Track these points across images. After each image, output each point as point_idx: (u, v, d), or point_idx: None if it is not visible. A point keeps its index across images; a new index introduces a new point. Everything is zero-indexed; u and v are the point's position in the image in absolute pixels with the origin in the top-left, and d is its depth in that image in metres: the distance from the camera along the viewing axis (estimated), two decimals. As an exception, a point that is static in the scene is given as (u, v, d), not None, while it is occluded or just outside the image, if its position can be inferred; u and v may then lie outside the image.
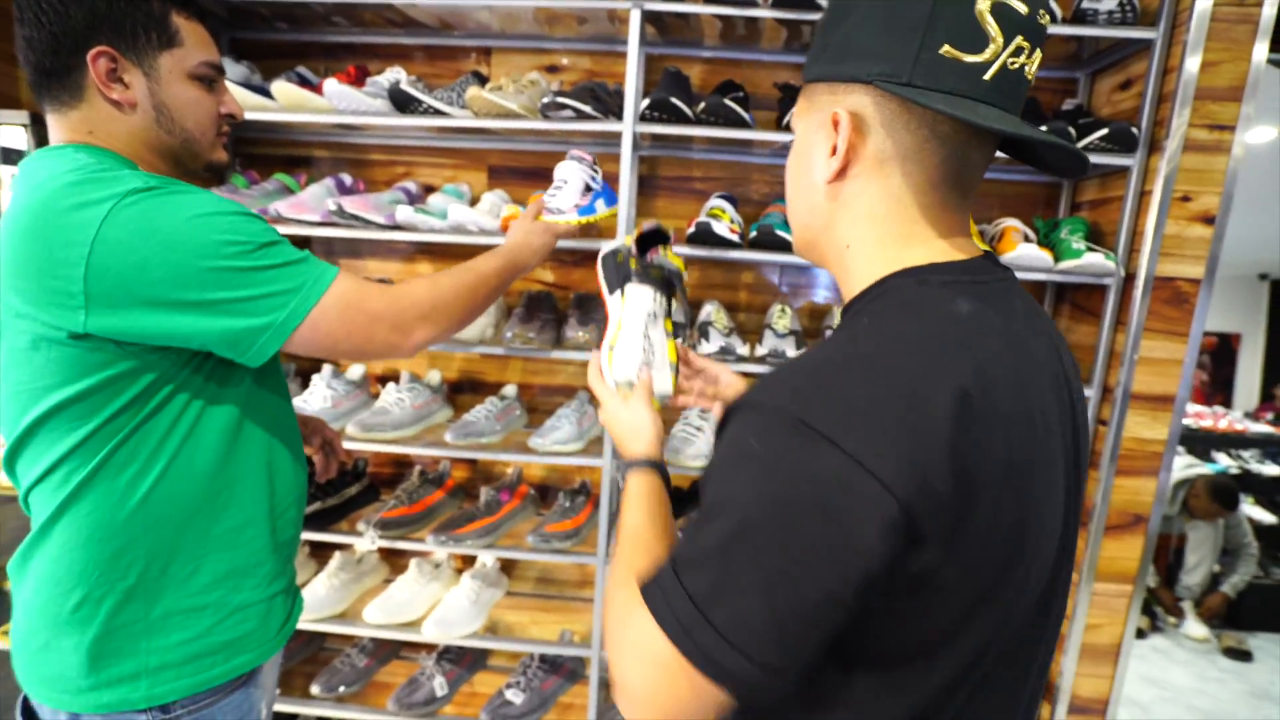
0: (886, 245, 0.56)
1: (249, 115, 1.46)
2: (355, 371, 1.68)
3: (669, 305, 0.94)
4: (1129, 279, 1.37)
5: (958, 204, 0.55)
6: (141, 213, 0.71)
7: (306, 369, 1.78)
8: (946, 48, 0.49)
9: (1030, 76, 0.52)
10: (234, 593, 0.86)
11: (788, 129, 1.43)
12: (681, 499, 1.69)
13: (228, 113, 0.91)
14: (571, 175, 1.33)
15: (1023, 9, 0.49)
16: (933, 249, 0.55)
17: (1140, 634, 3.10)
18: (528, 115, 1.44)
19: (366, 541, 1.56)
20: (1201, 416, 4.19)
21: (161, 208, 0.72)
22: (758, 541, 0.45)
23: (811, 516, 0.44)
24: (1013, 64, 0.50)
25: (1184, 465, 3.39)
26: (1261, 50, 1.27)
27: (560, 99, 1.39)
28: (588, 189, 1.39)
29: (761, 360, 1.48)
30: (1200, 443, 3.86)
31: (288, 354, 1.75)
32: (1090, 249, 1.36)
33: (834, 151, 0.55)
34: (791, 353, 1.46)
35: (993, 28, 0.48)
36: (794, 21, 1.41)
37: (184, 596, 0.82)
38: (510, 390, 1.70)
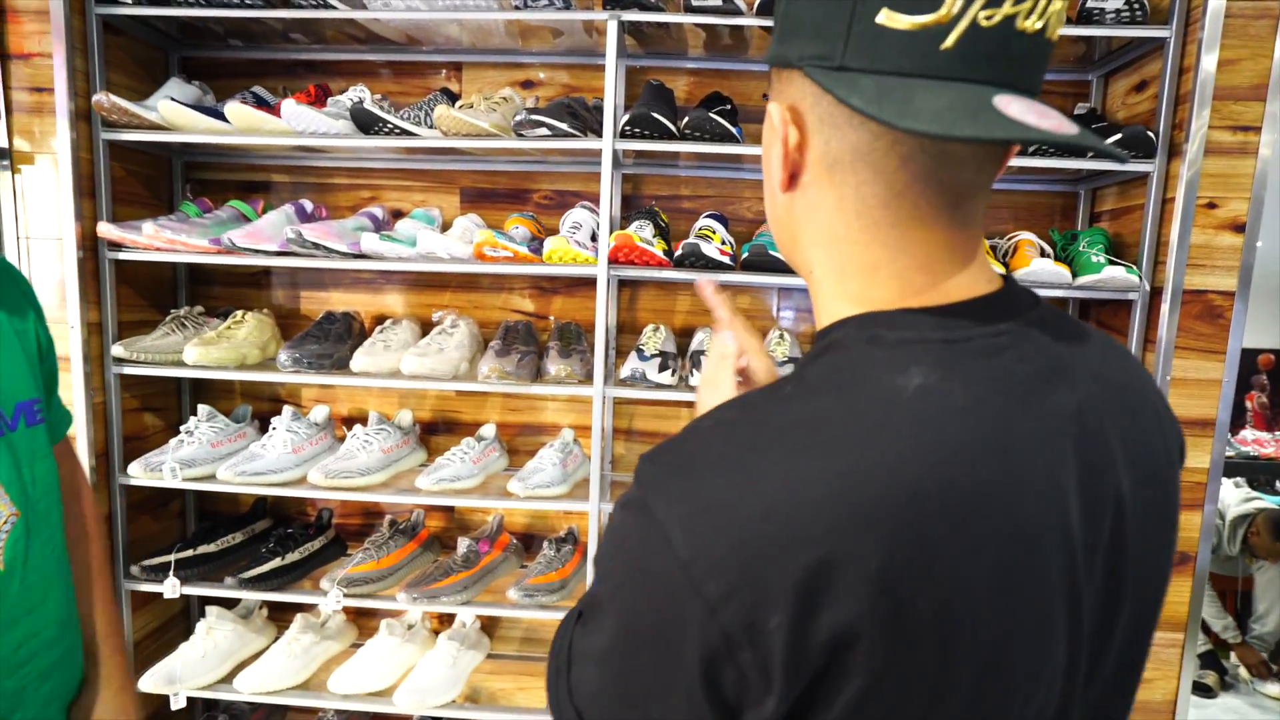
0: (848, 275, 0.47)
1: (199, 139, 1.45)
2: (319, 413, 1.65)
3: None
4: (1155, 293, 1.35)
5: (944, 217, 0.44)
6: None
7: (265, 412, 1.75)
8: (885, 12, 0.39)
9: (1034, 30, 0.40)
10: None
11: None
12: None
13: None
14: (584, 220, 1.45)
15: None
16: (906, 287, 0.45)
17: (1207, 691, 2.96)
18: (501, 134, 1.44)
19: (331, 601, 1.51)
20: (1262, 444, 4.07)
21: None
22: (598, 622, 0.44)
23: (632, 610, 0.42)
24: (988, 18, 0.38)
25: (1242, 498, 3.23)
26: (1283, 47, 1.28)
27: (534, 116, 1.39)
28: (591, 235, 1.46)
29: (760, 391, 1.46)
30: (1261, 472, 3.72)
31: (252, 395, 1.74)
32: (1111, 262, 1.35)
33: (782, 155, 0.47)
34: (792, 382, 1.43)
35: None
36: (783, 28, 1.41)
37: None
38: (489, 430, 1.67)
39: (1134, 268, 1.34)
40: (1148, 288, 1.36)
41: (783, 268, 1.41)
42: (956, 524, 0.38)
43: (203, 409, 1.60)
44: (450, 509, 1.80)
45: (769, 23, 1.37)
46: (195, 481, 1.51)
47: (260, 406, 1.76)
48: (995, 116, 0.38)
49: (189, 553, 1.59)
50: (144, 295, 1.63)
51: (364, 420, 1.67)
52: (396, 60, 1.67)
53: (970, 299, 0.45)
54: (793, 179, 0.47)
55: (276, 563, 1.59)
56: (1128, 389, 0.49)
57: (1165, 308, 1.32)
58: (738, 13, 1.38)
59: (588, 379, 1.50)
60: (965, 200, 0.44)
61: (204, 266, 1.74)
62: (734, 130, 1.42)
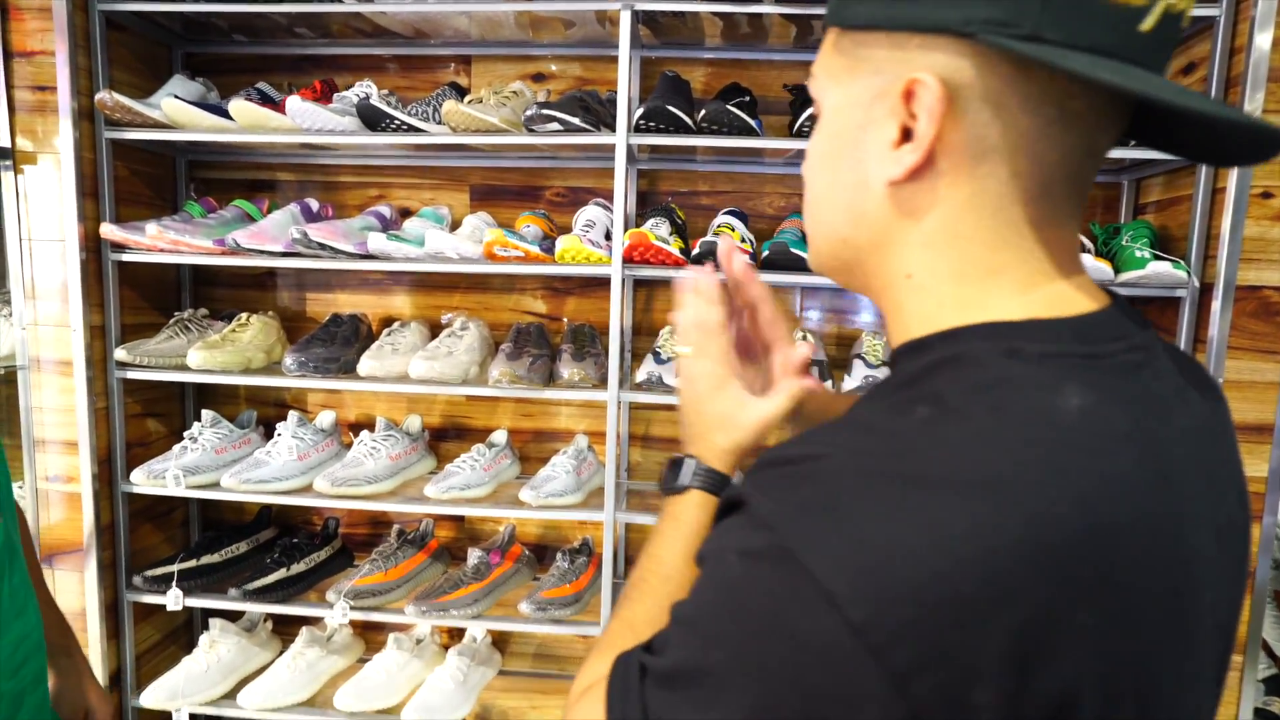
0: (966, 280, 0.42)
1: (204, 137, 1.44)
2: (325, 418, 1.63)
3: None
4: (1206, 290, 1.29)
5: (1071, 219, 0.42)
6: None
7: (270, 417, 1.74)
8: None
9: (1181, 10, 0.38)
10: None
11: (801, 134, 1.39)
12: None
13: None
14: (598, 218, 1.44)
15: None
16: (1033, 294, 0.41)
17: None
18: (511, 129, 1.41)
19: (337, 614, 1.49)
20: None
21: None
22: (706, 688, 0.37)
23: (773, 680, 0.35)
24: (1175, 7, 0.37)
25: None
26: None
27: (545, 110, 1.36)
28: (605, 234, 1.45)
29: (783, 395, 1.41)
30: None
31: (257, 400, 1.72)
32: (1157, 256, 1.29)
33: (905, 137, 0.41)
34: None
35: None
36: (803, 17, 1.37)
37: None
38: (500, 436, 1.64)
39: (1181, 263, 1.29)
40: (1197, 284, 1.30)
41: (800, 266, 1.37)
42: (1144, 564, 0.35)
43: (206, 414, 1.59)
44: (460, 518, 1.78)
45: (790, 10, 1.34)
46: (199, 490, 1.50)
47: (265, 411, 1.74)
48: (1203, 101, 0.36)
49: (192, 563, 1.58)
50: (147, 297, 1.62)
51: (371, 426, 1.65)
52: (404, 54, 1.66)
53: (1096, 310, 0.41)
54: (919, 168, 0.41)
55: (281, 574, 1.57)
56: (1217, 403, 0.46)
57: (1216, 305, 1.27)
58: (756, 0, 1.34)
59: (602, 383, 1.47)
60: (1086, 196, 0.43)
61: (208, 268, 1.73)
62: (753, 123, 1.38)
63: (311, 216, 1.57)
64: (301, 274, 1.73)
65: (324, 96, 1.51)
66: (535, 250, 1.43)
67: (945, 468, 0.35)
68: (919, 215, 0.42)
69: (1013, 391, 0.37)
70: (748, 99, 1.47)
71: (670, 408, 1.67)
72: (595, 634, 1.49)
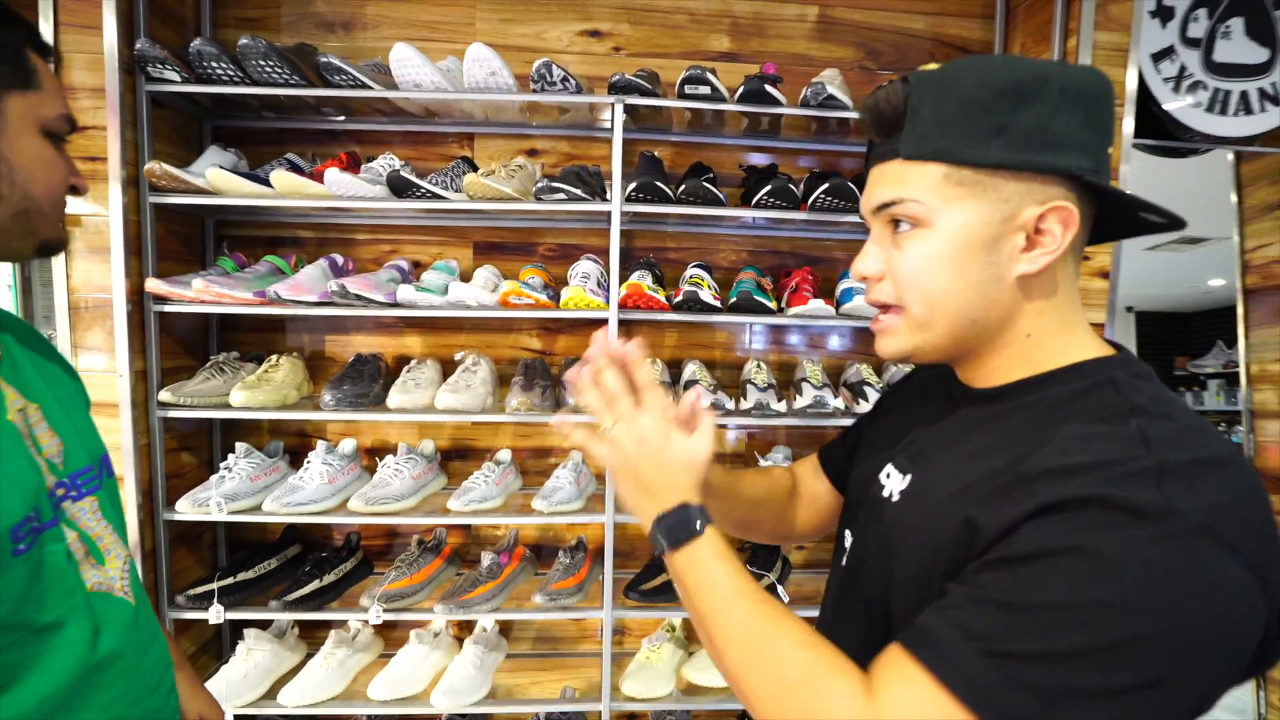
0: (1066, 331, 0.60)
1: (243, 202, 1.53)
2: (346, 445, 1.73)
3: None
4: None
5: None
6: None
7: (292, 446, 1.82)
8: (1109, 149, 0.57)
9: None
10: None
11: (761, 205, 1.63)
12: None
13: (75, 183, 0.75)
14: (591, 271, 1.62)
15: None
16: (1093, 336, 0.61)
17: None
18: (521, 198, 1.59)
19: (373, 615, 1.60)
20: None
21: None
22: (1146, 655, 0.44)
23: (1210, 640, 0.45)
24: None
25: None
26: (1128, 137, 1.60)
27: (554, 184, 1.55)
28: (599, 283, 1.62)
29: (747, 413, 1.66)
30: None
31: (279, 431, 1.79)
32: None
33: (1034, 244, 0.56)
34: (774, 405, 1.65)
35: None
36: (754, 113, 1.64)
37: None
38: (505, 455, 1.80)
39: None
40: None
41: (764, 310, 1.63)
42: None
43: (240, 446, 1.65)
44: (468, 527, 1.91)
45: (747, 108, 1.59)
46: (240, 514, 1.57)
47: (288, 441, 1.82)
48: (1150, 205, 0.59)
49: (229, 580, 1.63)
50: (179, 343, 1.67)
51: (383, 452, 1.76)
52: (414, 131, 1.79)
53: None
54: (1043, 266, 0.57)
55: (316, 584, 1.65)
56: None
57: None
58: (723, 99, 1.59)
59: (601, 407, 1.66)
60: None
61: (232, 316, 1.79)
62: (720, 195, 1.63)
63: (338, 270, 1.67)
64: (318, 320, 1.82)
65: (351, 166, 1.63)
66: (543, 298, 1.61)
67: (1216, 448, 0.50)
68: (1037, 295, 0.59)
69: (1170, 397, 0.56)
70: (712, 175, 1.71)
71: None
72: (591, 618, 1.67)
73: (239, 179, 1.53)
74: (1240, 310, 1.95)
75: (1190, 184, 1.95)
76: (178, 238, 1.65)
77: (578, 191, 1.58)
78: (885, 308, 0.64)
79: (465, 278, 1.76)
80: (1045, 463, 0.51)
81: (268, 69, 1.49)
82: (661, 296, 1.62)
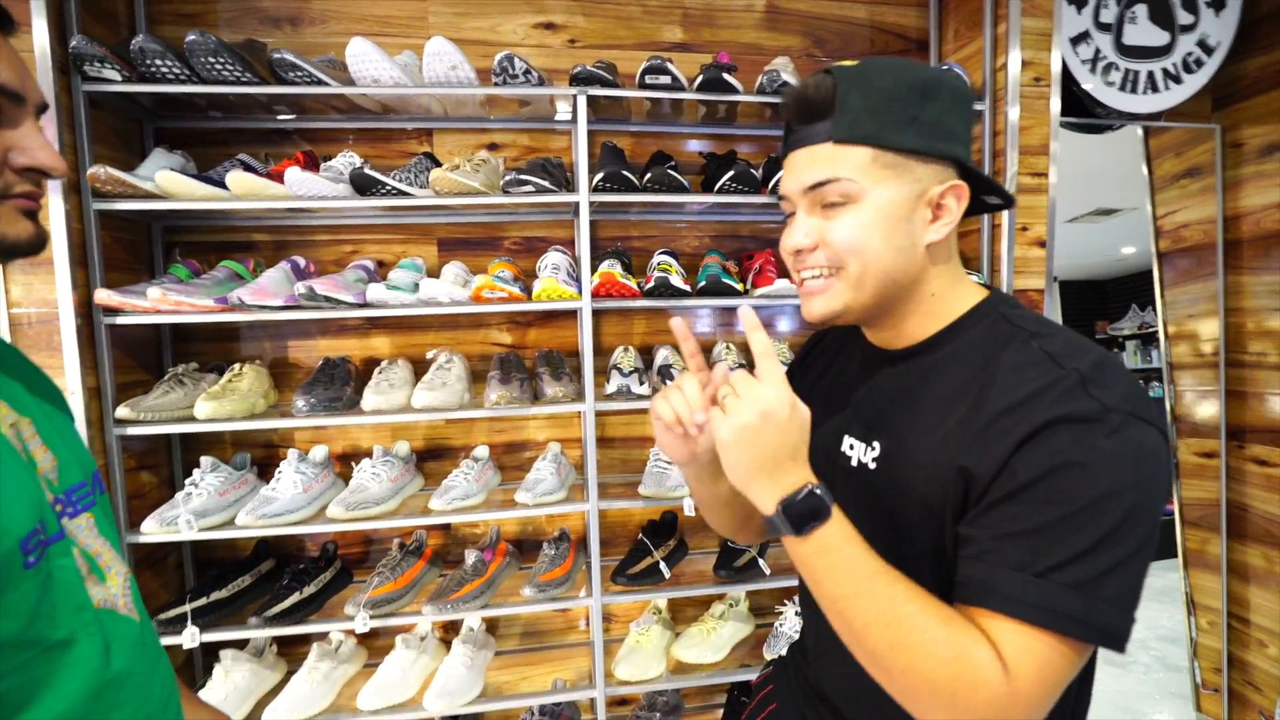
0: (958, 283, 0.72)
1: (197, 205, 1.45)
2: (319, 452, 1.66)
3: None
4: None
5: None
6: None
7: (259, 458, 1.73)
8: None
9: None
10: None
11: (723, 191, 1.66)
12: (660, 531, 1.85)
13: (32, 165, 0.61)
14: (560, 262, 1.61)
15: None
16: (972, 284, 0.74)
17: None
18: (488, 191, 1.57)
19: (360, 623, 1.55)
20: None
21: None
22: (1137, 520, 0.56)
23: (1160, 486, 0.58)
24: None
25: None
26: (1055, 115, 1.71)
27: (522, 176, 1.54)
28: (568, 274, 1.62)
29: (721, 392, 1.69)
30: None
31: (244, 443, 1.70)
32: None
33: (937, 216, 0.68)
34: (746, 382, 1.68)
35: None
36: (711, 101, 1.66)
37: None
38: (482, 451, 1.77)
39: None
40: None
41: (731, 293, 1.66)
42: None
43: (205, 460, 1.57)
44: (447, 526, 1.87)
45: (708, 96, 1.62)
46: (211, 531, 1.49)
47: (255, 453, 1.73)
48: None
49: (202, 601, 1.55)
50: (130, 357, 1.57)
51: (355, 458, 1.71)
52: (370, 128, 1.74)
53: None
54: (944, 235, 0.69)
55: (296, 597, 1.59)
56: None
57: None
58: (682, 89, 1.61)
59: (579, 397, 1.66)
60: None
61: (184, 326, 1.69)
62: (685, 182, 1.65)
63: (301, 273, 1.61)
64: (280, 325, 1.75)
65: (310, 166, 1.57)
66: (516, 291, 1.59)
67: (1093, 347, 0.63)
68: (939, 259, 0.71)
69: (1048, 320, 0.70)
70: (674, 164, 1.73)
71: (624, 412, 1.90)
72: (580, 606, 1.66)
73: (192, 182, 1.45)
74: (1156, 273, 2.12)
75: (1105, 159, 2.09)
76: (123, 246, 1.55)
77: (545, 183, 1.57)
78: (815, 275, 0.71)
79: (432, 274, 1.72)
80: (1000, 401, 0.62)
81: (217, 66, 1.41)
82: (633, 284, 1.63)
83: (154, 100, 1.54)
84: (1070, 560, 0.55)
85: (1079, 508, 0.55)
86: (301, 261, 1.61)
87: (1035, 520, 0.56)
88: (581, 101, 1.57)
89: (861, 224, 0.67)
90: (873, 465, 0.73)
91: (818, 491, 0.62)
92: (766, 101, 1.65)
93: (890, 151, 0.65)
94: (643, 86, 1.60)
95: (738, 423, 0.61)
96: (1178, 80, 1.90)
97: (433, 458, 1.86)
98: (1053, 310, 2.10)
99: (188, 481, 1.53)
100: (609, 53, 1.83)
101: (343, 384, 1.62)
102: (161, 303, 1.42)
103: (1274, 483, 1.95)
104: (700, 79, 1.60)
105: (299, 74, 1.45)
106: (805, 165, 0.68)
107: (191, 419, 1.48)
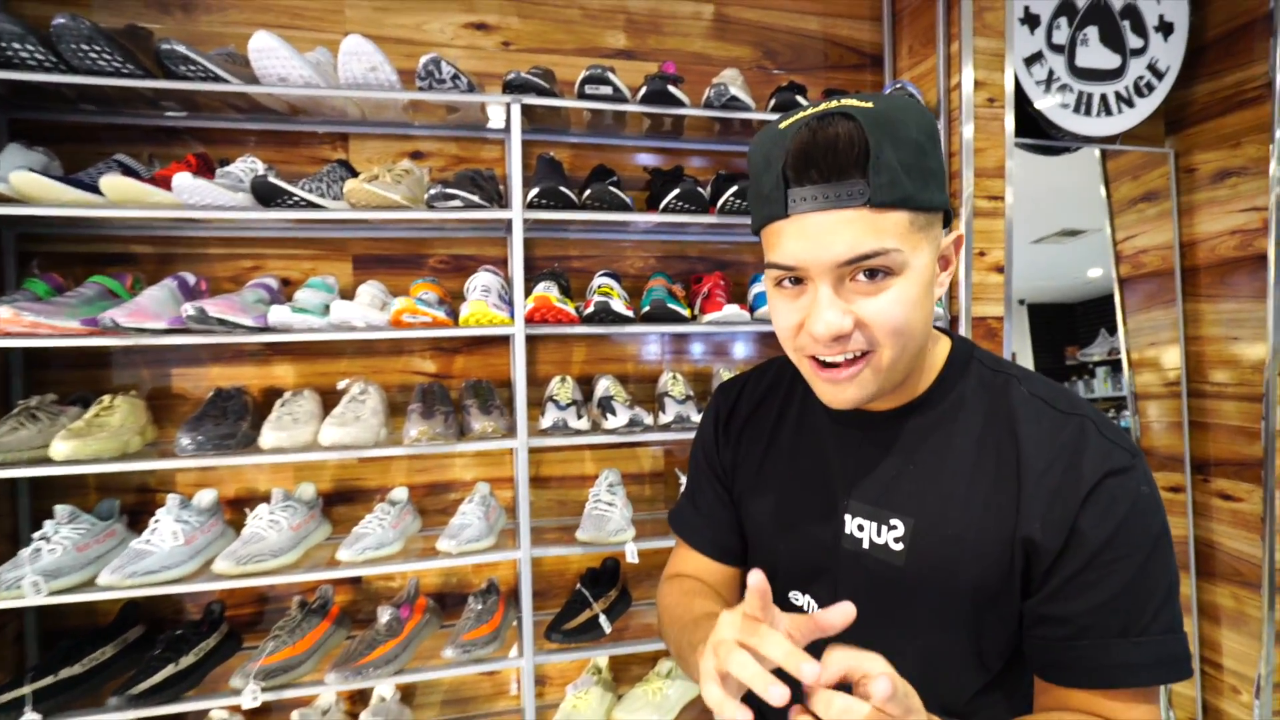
0: (931, 336, 0.75)
1: (62, 212, 1.39)
2: (205, 498, 1.59)
3: None
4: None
5: None
6: None
7: (130, 504, 1.65)
8: None
9: None
10: None
11: (669, 209, 1.69)
12: (599, 579, 1.83)
13: None
14: (491, 284, 1.62)
15: None
16: (936, 332, 0.77)
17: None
18: (411, 205, 1.56)
19: (247, 698, 1.47)
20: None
21: None
22: (1171, 545, 0.66)
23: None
24: None
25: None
26: (1010, 137, 1.83)
27: (448, 189, 1.54)
28: (500, 297, 1.62)
29: (667, 428, 1.71)
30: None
31: (112, 487, 1.61)
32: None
33: (943, 270, 0.71)
34: (695, 416, 1.70)
35: None
36: (657, 115, 1.71)
37: None
38: (400, 494, 1.73)
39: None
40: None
41: (677, 319, 1.69)
42: None
43: (61, 509, 1.47)
44: (358, 580, 1.81)
45: (651, 109, 1.66)
46: (66, 594, 1.39)
47: (125, 500, 1.64)
48: None
49: (49, 680, 1.44)
50: (-25, 388, 1.48)
51: (251, 502, 1.64)
52: (275, 130, 1.71)
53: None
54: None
55: (170, 670, 1.49)
56: None
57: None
58: (624, 100, 1.65)
59: (510, 432, 1.64)
60: None
61: (40, 351, 1.60)
62: (627, 200, 1.68)
63: (189, 291, 1.55)
64: (164, 350, 1.67)
65: (203, 170, 1.53)
66: (441, 315, 1.58)
67: (1068, 391, 0.72)
68: (931, 313, 0.69)
69: (999, 357, 0.78)
70: (616, 179, 1.76)
71: (561, 449, 1.89)
72: (509, 667, 1.62)
73: (57, 185, 1.38)
74: (1117, 298, 2.27)
75: (1066, 179, 2.24)
76: (-30, 258, 1.47)
77: (475, 198, 1.57)
78: (847, 358, 0.66)
79: (346, 295, 1.69)
80: (1038, 461, 0.66)
81: (92, 54, 1.37)
82: (571, 309, 1.63)
83: (10, 89, 1.47)
84: (1159, 608, 0.64)
85: (1146, 556, 0.63)
86: (191, 279, 1.56)
87: (1119, 582, 0.63)
88: (515, 110, 1.59)
89: (906, 300, 0.63)
90: (897, 545, 0.71)
91: None
92: (715, 116, 1.71)
93: (924, 213, 0.63)
94: (582, 96, 1.63)
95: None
96: (1130, 104, 2.05)
97: (343, 501, 1.80)
98: (1018, 335, 2.21)
99: (36, 535, 1.44)
100: (546, 58, 1.86)
101: (237, 418, 1.56)
102: (13, 324, 1.34)
103: (1240, 518, 2.08)
104: (644, 90, 1.64)
105: (192, 68, 1.42)
106: (832, 232, 0.61)
107: (47, 460, 1.39)
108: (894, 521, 0.72)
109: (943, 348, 0.76)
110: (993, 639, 0.70)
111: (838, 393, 0.68)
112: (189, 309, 1.41)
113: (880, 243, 0.61)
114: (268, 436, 1.50)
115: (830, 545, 0.77)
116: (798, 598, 0.81)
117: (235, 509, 1.71)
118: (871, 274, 0.63)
